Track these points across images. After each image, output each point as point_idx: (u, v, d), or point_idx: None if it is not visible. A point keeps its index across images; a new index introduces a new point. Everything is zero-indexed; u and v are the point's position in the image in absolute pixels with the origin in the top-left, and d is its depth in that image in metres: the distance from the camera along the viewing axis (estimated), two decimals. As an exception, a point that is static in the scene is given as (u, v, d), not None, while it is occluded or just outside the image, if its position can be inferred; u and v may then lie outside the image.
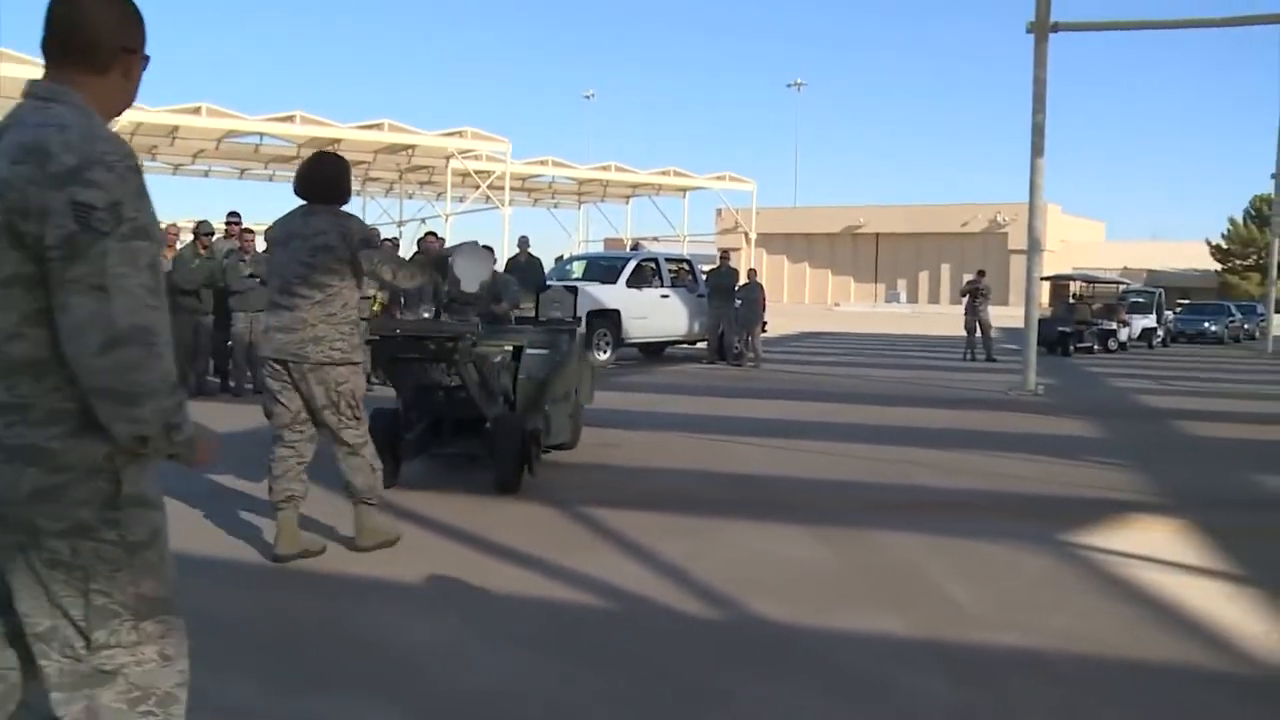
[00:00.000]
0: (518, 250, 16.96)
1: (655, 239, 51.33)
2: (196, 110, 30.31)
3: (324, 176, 5.45)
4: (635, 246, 30.79)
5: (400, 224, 47.45)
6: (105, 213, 1.94)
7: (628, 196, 48.32)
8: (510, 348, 7.40)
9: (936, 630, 4.55)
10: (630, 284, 18.45)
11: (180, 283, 11.54)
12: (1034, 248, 14.75)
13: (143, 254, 1.98)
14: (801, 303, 66.24)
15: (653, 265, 19.39)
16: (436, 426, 7.26)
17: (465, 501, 6.80)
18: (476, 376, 6.88)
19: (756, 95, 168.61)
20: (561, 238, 51.56)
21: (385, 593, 4.99)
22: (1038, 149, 14.51)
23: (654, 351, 20.35)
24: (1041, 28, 14.29)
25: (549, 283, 17.38)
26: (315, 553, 5.44)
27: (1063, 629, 4.59)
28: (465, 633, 4.47)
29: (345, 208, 5.50)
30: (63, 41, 2.09)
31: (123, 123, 29.18)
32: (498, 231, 36.97)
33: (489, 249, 5.77)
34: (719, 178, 44.10)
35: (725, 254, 20.44)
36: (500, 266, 16.81)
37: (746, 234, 44.84)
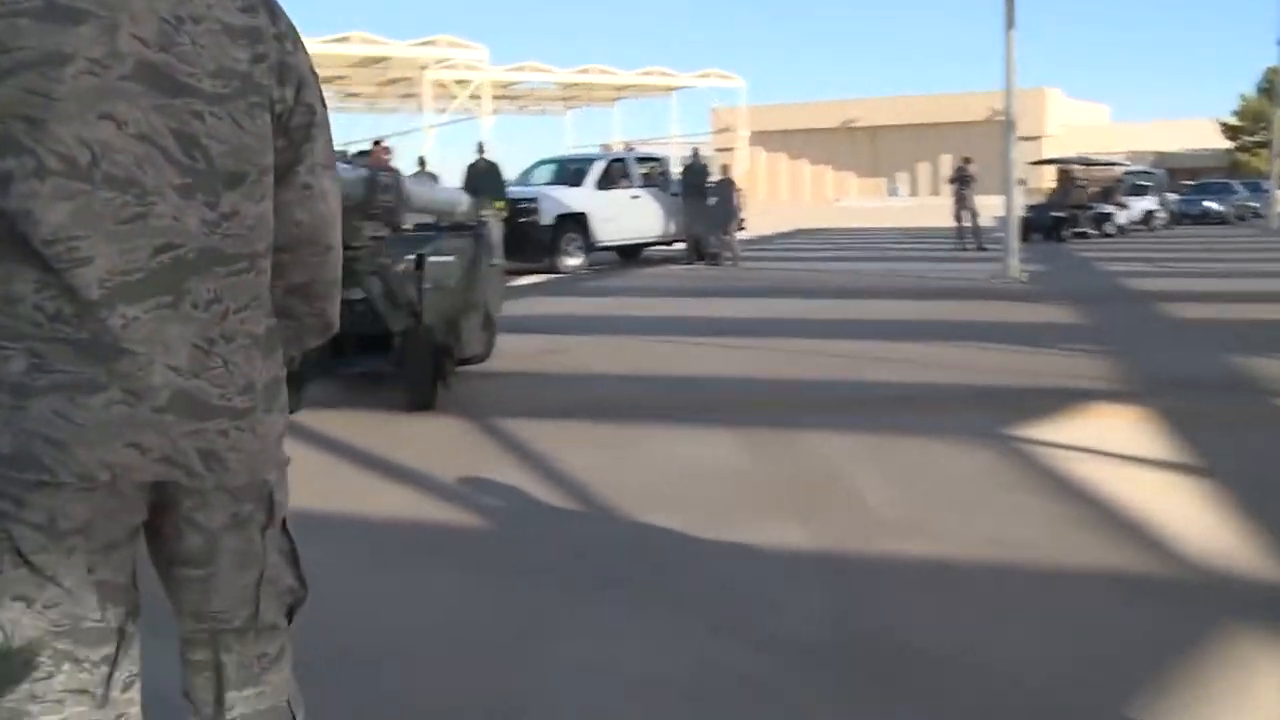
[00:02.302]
0: (476, 157, 16.35)
1: (645, 142, 50.40)
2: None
3: None
4: (630, 149, 29.94)
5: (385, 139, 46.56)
6: (317, 88, 1.65)
7: (613, 99, 47.32)
8: (414, 256, 6.87)
9: (838, 541, 4.12)
10: (599, 186, 17.85)
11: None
12: (1010, 129, 14.09)
13: None
14: (803, 200, 65.24)
15: (621, 166, 18.75)
16: (338, 344, 6.69)
17: (372, 419, 6.37)
18: (380, 288, 6.39)
19: None
20: (551, 145, 50.47)
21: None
22: (1010, 20, 13.76)
23: (631, 254, 19.80)
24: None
25: (511, 189, 16.87)
26: None
27: (980, 533, 4.16)
28: (321, 553, 4.05)
29: None
30: None
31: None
32: (479, 140, 36.27)
33: None
34: (704, 75, 43.04)
35: (696, 152, 19.75)
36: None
37: (734, 131, 43.90)
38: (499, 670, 3.08)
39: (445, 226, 7.62)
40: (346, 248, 5.99)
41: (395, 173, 7.13)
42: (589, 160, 18.84)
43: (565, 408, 6.65)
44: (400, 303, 6.58)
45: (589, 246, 17.58)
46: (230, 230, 1.49)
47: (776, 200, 62.67)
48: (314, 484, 5.04)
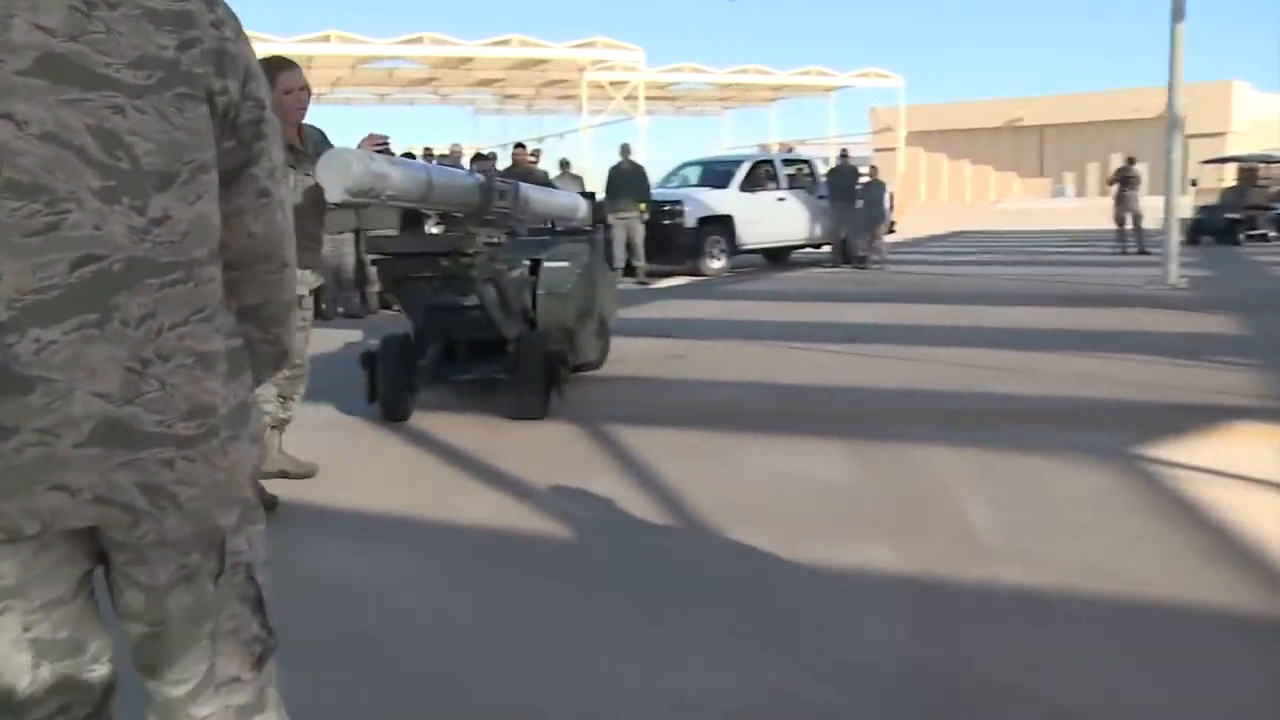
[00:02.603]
0: (620, 158, 16.38)
1: (803, 143, 49.88)
2: (326, 39, 30.52)
3: None
4: (791, 150, 29.52)
5: (540, 140, 47.31)
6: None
7: (770, 99, 46.96)
8: (528, 261, 6.87)
9: (929, 564, 3.92)
10: (744, 188, 17.68)
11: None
12: (1173, 126, 13.32)
13: None
14: (963, 201, 63.52)
15: (769, 168, 18.53)
16: (451, 351, 6.72)
17: (481, 425, 6.40)
18: (495, 295, 6.34)
19: None
20: (707, 146, 50.37)
21: (335, 524, 4.64)
22: (1178, 12, 13.02)
23: (778, 257, 19.58)
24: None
25: (655, 190, 16.85)
26: (298, 475, 5.12)
27: (1085, 562, 3.90)
28: (403, 559, 4.10)
29: None
30: None
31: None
32: (635, 141, 36.49)
33: (353, 154, 5.08)
34: (863, 75, 42.28)
35: (844, 153, 19.36)
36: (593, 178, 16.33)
37: (894, 131, 43.04)
38: (551, 684, 3.02)
39: (561, 231, 7.60)
40: (461, 254, 5.94)
41: (514, 180, 7.13)
42: (735, 162, 18.68)
43: (675, 415, 6.56)
44: (514, 309, 6.58)
45: (733, 249, 17.44)
46: (162, 237, 1.34)
47: (936, 202, 61.21)
48: (413, 489, 5.13)
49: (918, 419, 6.35)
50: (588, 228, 7.68)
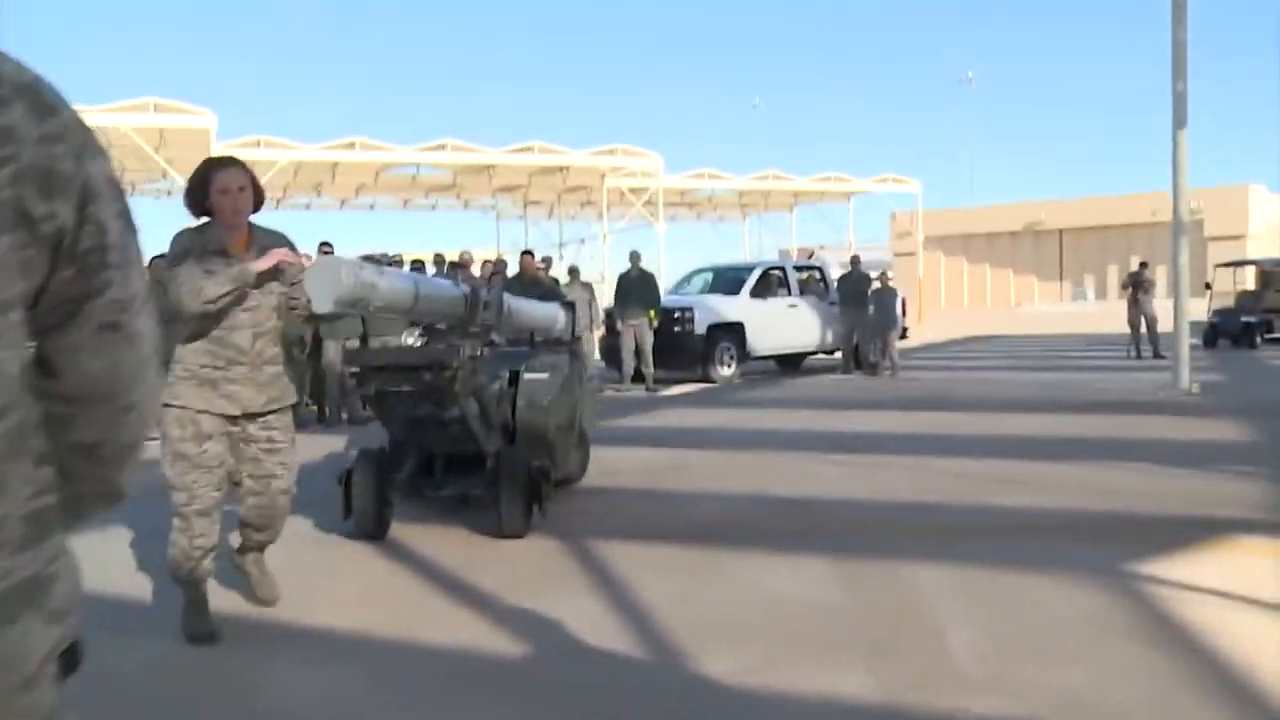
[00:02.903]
0: (630, 266, 16.47)
1: (822, 247, 50.18)
2: (351, 146, 31.06)
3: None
4: (811, 255, 29.50)
5: (560, 246, 47.81)
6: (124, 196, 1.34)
7: (790, 205, 47.33)
8: (507, 373, 6.79)
9: (901, 693, 3.76)
10: (755, 294, 17.73)
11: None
12: (1179, 230, 13.26)
13: None
14: (983, 305, 63.55)
15: (780, 274, 18.59)
16: (429, 464, 6.58)
17: (457, 539, 6.27)
18: (476, 409, 6.22)
19: (921, 94, 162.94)
20: (727, 252, 50.69)
21: (301, 646, 4.52)
22: (1179, 120, 13.08)
23: (790, 364, 19.53)
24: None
25: (666, 297, 16.88)
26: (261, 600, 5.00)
27: (1067, 692, 3.73)
28: (364, 684, 3.96)
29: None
30: None
31: (284, 164, 30.28)
32: (654, 247, 36.80)
33: (344, 264, 5.03)
34: (881, 180, 42.61)
35: (856, 259, 19.42)
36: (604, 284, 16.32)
37: (913, 235, 43.24)
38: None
39: (539, 342, 7.53)
40: (444, 367, 5.80)
41: (499, 289, 7.11)
42: (746, 269, 18.76)
43: (664, 529, 6.43)
44: (494, 422, 6.45)
45: (744, 356, 17.41)
46: None
47: (956, 306, 61.25)
48: (386, 608, 5.01)
49: (911, 533, 6.20)
50: (566, 339, 7.61)
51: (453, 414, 6.09)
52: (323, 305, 4.80)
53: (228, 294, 4.28)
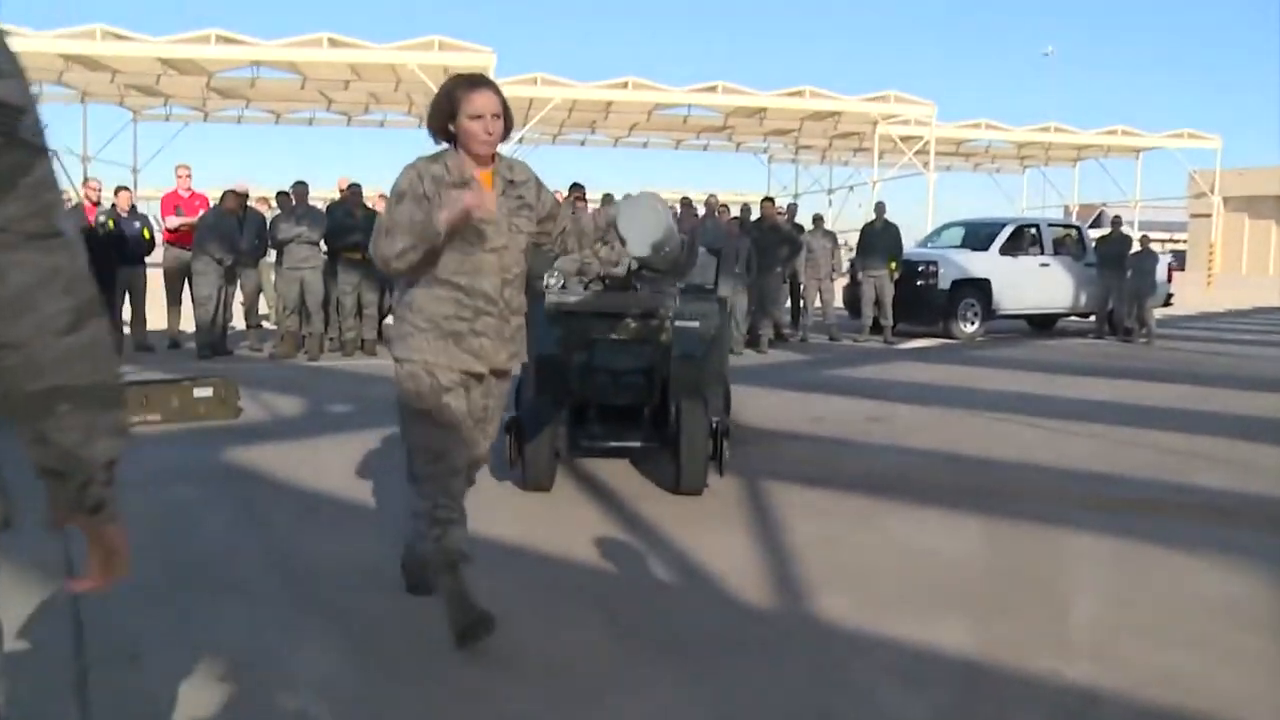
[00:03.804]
0: (875, 215, 16.35)
1: (1104, 205, 47.48)
2: (624, 85, 31.82)
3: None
4: (1099, 215, 28.09)
5: (830, 192, 47.39)
6: (31, 119, 1.27)
7: (1074, 159, 45.01)
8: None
9: (995, 649, 3.87)
10: (1004, 251, 17.20)
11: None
12: None
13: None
14: (1293, 274, 58.32)
15: (1034, 231, 17.93)
16: (602, 416, 6.35)
17: (619, 474, 6.63)
18: (664, 359, 6.06)
19: (1228, 51, 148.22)
20: (1003, 205, 48.78)
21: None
22: None
23: (1042, 324, 18.89)
24: None
25: (914, 250, 16.65)
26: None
27: (1167, 670, 3.71)
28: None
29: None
30: None
31: (558, 100, 31.45)
32: (924, 198, 36.05)
33: (659, 200, 4.44)
34: (1176, 135, 39.76)
35: (1117, 219, 18.43)
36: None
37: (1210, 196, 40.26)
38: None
39: (682, 290, 6.83)
40: (651, 315, 5.83)
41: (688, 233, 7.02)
42: (998, 225, 18.18)
43: (838, 477, 6.60)
44: (659, 374, 6.18)
45: (988, 313, 16.99)
46: None
47: (1262, 273, 56.53)
48: (540, 526, 5.43)
49: (1080, 502, 6.13)
50: (709, 286, 7.16)
51: (638, 364, 6.03)
52: (641, 249, 4.30)
53: (409, 250, 3.71)
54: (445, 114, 3.84)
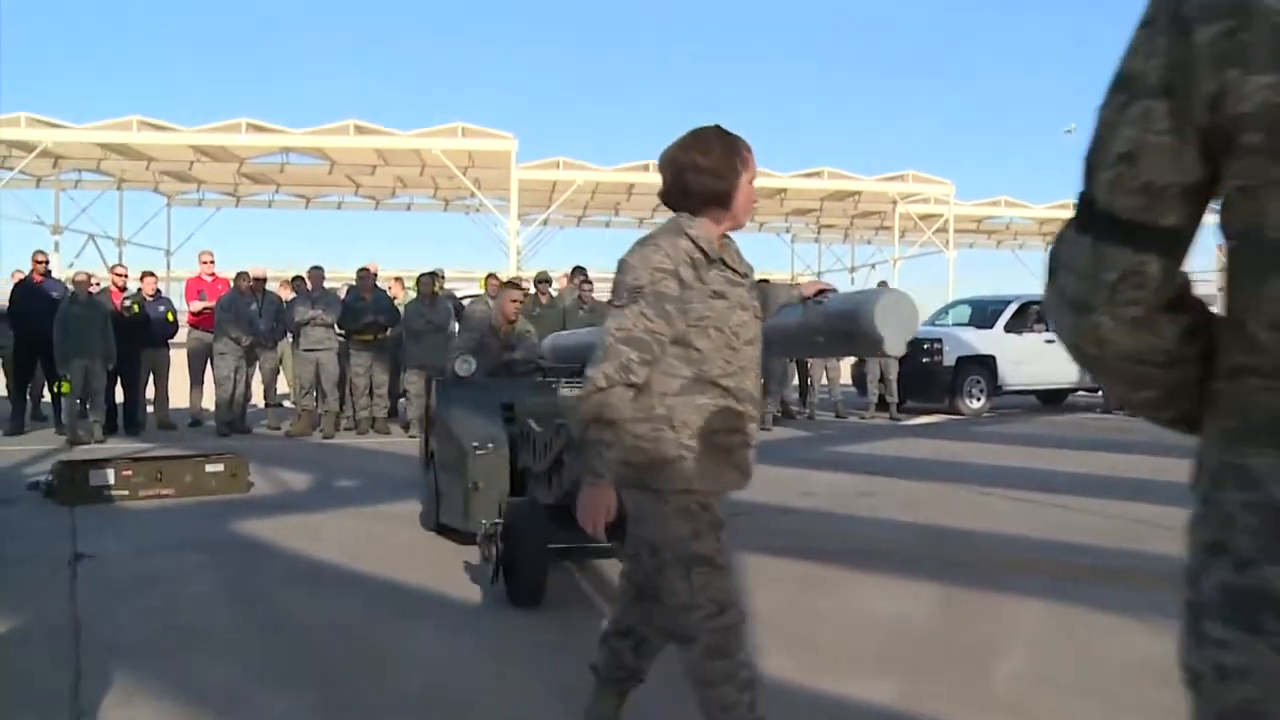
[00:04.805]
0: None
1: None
2: (645, 168, 32.59)
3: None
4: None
5: (852, 270, 47.87)
6: None
7: (1095, 235, 45.32)
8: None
9: (919, 704, 4.17)
10: (1009, 328, 17.55)
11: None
12: None
13: None
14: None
15: (1039, 308, 18.24)
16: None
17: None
18: None
19: None
20: (1027, 282, 49.01)
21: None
22: None
23: (1052, 400, 19.15)
24: None
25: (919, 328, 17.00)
26: None
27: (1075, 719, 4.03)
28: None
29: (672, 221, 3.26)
30: None
31: (580, 183, 32.22)
32: (943, 275, 36.46)
33: (904, 292, 4.06)
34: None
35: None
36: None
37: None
38: None
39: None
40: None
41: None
42: (1004, 302, 18.55)
43: (811, 548, 6.92)
44: None
45: (994, 389, 17.29)
46: None
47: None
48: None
49: (1040, 570, 6.41)
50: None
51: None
52: (898, 348, 3.83)
53: None
54: (732, 172, 3.11)
